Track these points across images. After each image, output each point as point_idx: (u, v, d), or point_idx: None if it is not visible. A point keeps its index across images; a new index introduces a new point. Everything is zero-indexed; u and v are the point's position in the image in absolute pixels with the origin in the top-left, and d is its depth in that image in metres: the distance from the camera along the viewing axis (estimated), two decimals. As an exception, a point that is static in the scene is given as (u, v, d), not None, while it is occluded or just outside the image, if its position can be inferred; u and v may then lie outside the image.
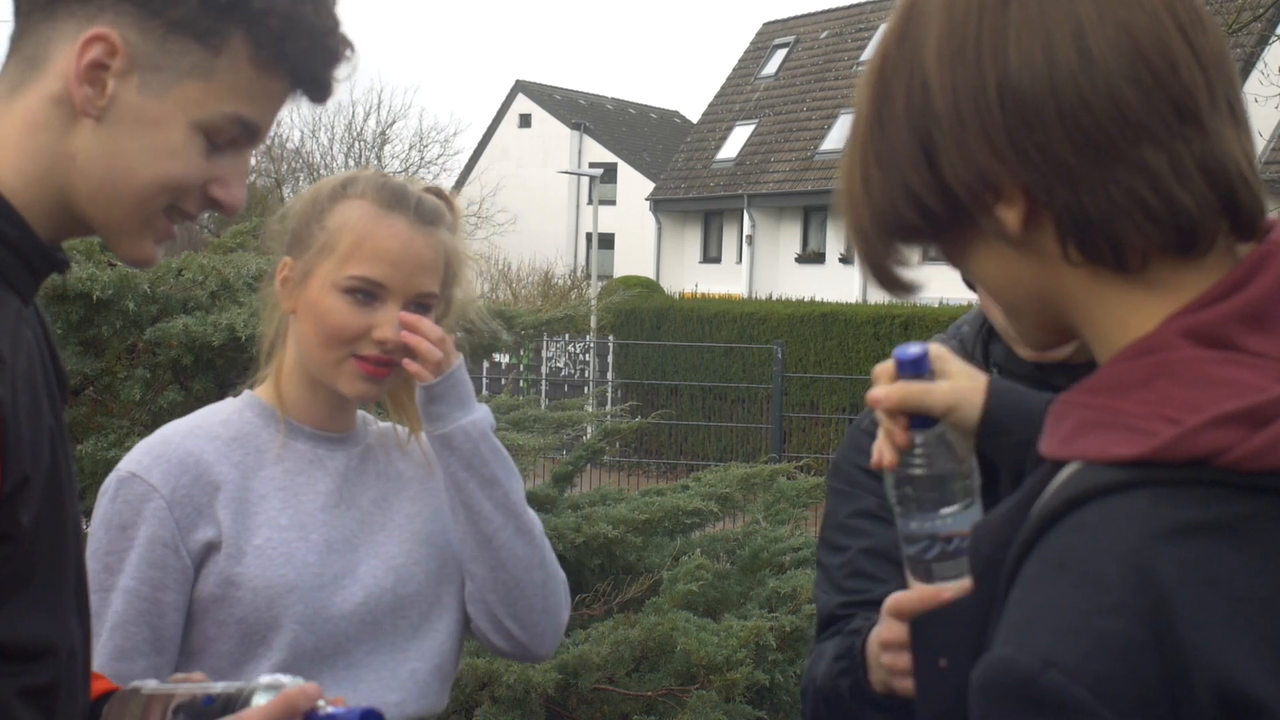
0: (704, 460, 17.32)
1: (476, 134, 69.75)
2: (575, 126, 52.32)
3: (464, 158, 53.83)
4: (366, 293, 2.36)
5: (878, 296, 31.40)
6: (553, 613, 2.57)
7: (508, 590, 2.51)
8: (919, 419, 1.80)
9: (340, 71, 1.72)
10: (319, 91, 1.72)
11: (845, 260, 37.13)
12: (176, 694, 1.81)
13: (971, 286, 1.75)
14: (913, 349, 1.85)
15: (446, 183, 49.41)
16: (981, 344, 2.44)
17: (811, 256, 39.09)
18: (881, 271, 1.37)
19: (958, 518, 1.77)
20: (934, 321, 20.64)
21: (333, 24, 1.68)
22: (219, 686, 1.78)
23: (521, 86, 54.73)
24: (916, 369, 1.84)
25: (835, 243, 38.24)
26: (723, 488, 6.23)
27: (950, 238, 1.32)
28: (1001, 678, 1.14)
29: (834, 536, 2.44)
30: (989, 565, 1.31)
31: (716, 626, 5.09)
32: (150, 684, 1.86)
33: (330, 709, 1.72)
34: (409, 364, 2.41)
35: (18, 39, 1.63)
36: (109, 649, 2.27)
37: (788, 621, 5.16)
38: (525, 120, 53.95)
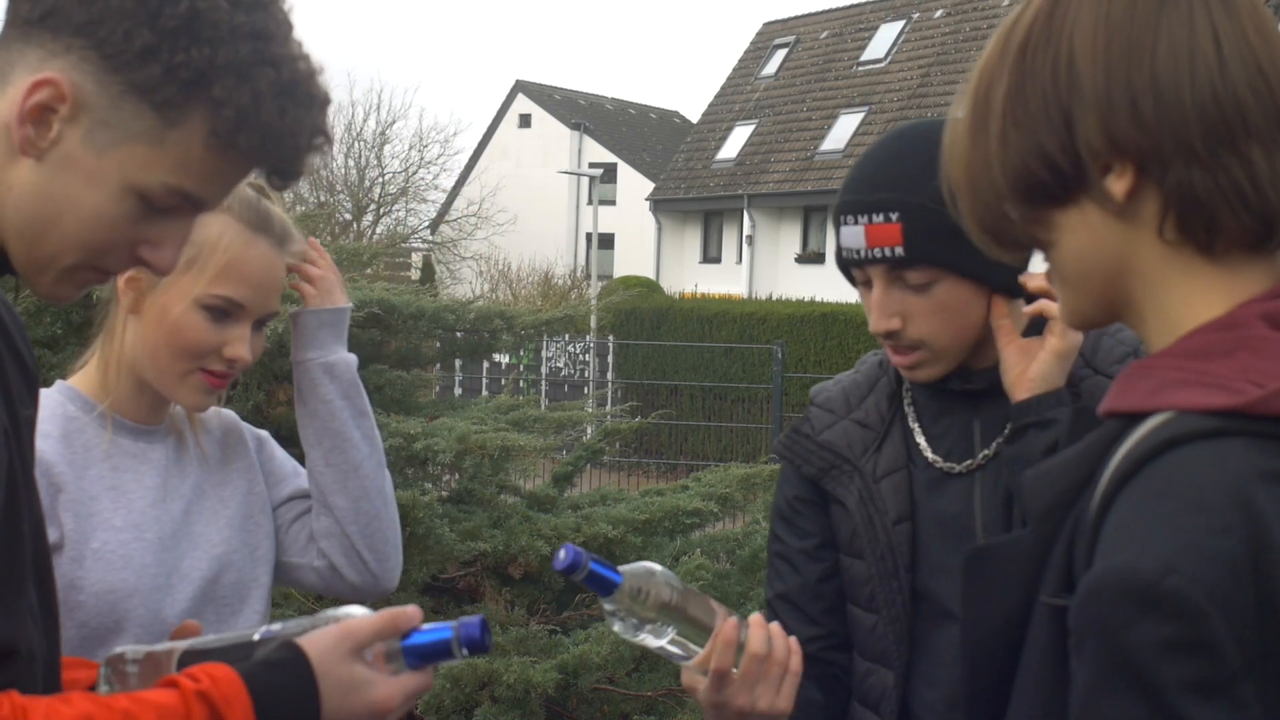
0: (704, 460, 17.32)
1: (476, 134, 69.83)
2: (575, 126, 52.31)
3: (464, 158, 53.90)
4: (224, 311, 2.38)
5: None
6: (399, 548, 2.65)
7: (368, 520, 2.57)
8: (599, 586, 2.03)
9: (312, 159, 1.68)
10: (280, 179, 1.69)
11: (845, 260, 37.14)
12: (176, 648, 1.82)
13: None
14: (562, 553, 2.00)
15: (447, 183, 49.46)
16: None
17: (811, 257, 39.07)
18: (1001, 235, 1.57)
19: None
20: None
21: (296, 126, 1.63)
22: (277, 626, 1.78)
23: (521, 86, 54.72)
24: (602, 586, 2.02)
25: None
26: (723, 488, 6.24)
27: (1057, 200, 1.49)
28: (1122, 581, 1.28)
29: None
30: (1051, 508, 1.50)
31: (716, 626, 5.09)
32: (137, 648, 1.87)
33: (427, 628, 1.74)
34: (304, 286, 2.53)
35: None
36: None
37: (788, 621, 5.15)
38: (525, 120, 53.94)
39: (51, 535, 2.26)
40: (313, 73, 1.65)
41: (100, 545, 2.32)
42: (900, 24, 40.40)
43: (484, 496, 5.73)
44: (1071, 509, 1.47)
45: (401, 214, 45.19)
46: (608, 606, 2.05)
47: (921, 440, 2.48)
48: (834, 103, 39.86)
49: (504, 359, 19.79)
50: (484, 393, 16.24)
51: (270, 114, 1.59)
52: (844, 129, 38.52)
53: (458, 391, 16.65)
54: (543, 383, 20.51)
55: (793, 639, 2.18)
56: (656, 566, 2.07)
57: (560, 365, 22.19)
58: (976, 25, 37.52)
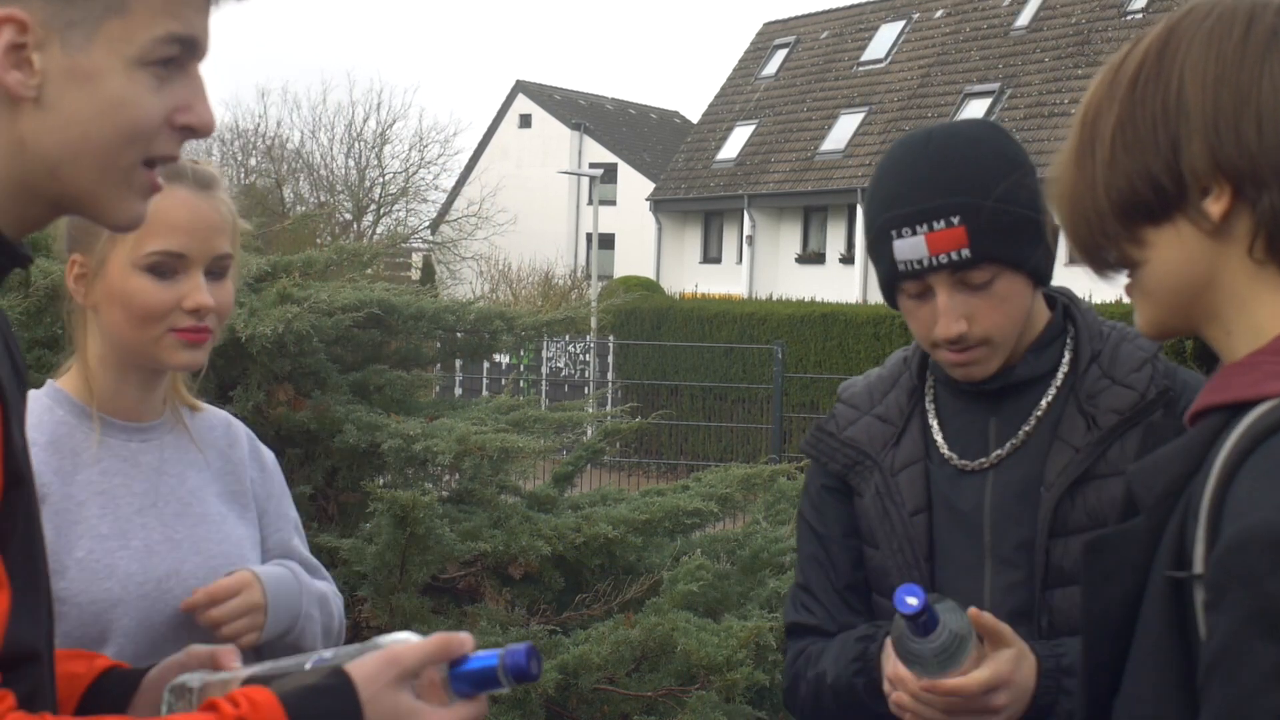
0: (704, 460, 17.32)
1: (477, 134, 69.76)
2: (575, 127, 52.34)
3: (464, 158, 53.93)
4: (168, 267, 2.35)
5: (877, 297, 31.39)
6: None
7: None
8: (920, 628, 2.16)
9: None
10: None
11: (845, 260, 37.17)
12: (237, 676, 1.80)
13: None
14: (910, 600, 2.12)
15: (447, 183, 49.45)
16: (920, 355, 2.62)
17: (812, 257, 39.09)
18: (1095, 245, 1.74)
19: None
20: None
21: None
22: (329, 654, 1.73)
23: (522, 87, 54.75)
24: (925, 629, 2.15)
25: (835, 243, 38.27)
26: (723, 488, 6.23)
27: (1154, 219, 1.65)
28: (1262, 535, 1.41)
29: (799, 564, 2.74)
30: (1162, 496, 1.63)
31: (717, 627, 5.09)
32: (196, 676, 1.84)
33: (478, 655, 1.68)
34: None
35: None
36: None
37: (788, 622, 5.15)
38: (525, 120, 53.97)
39: None
40: None
41: (85, 555, 2.31)
42: (900, 24, 40.44)
43: (484, 497, 5.72)
44: (1181, 496, 1.60)
45: (402, 214, 45.27)
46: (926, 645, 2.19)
47: (939, 436, 2.54)
48: (834, 103, 39.90)
49: (504, 359, 19.78)
50: (484, 393, 16.24)
51: None
52: (844, 129, 38.55)
53: (458, 392, 16.64)
54: (543, 383, 20.52)
55: None
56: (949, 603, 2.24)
57: (560, 366, 22.19)
58: (977, 26, 37.55)
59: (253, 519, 2.57)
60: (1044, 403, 2.46)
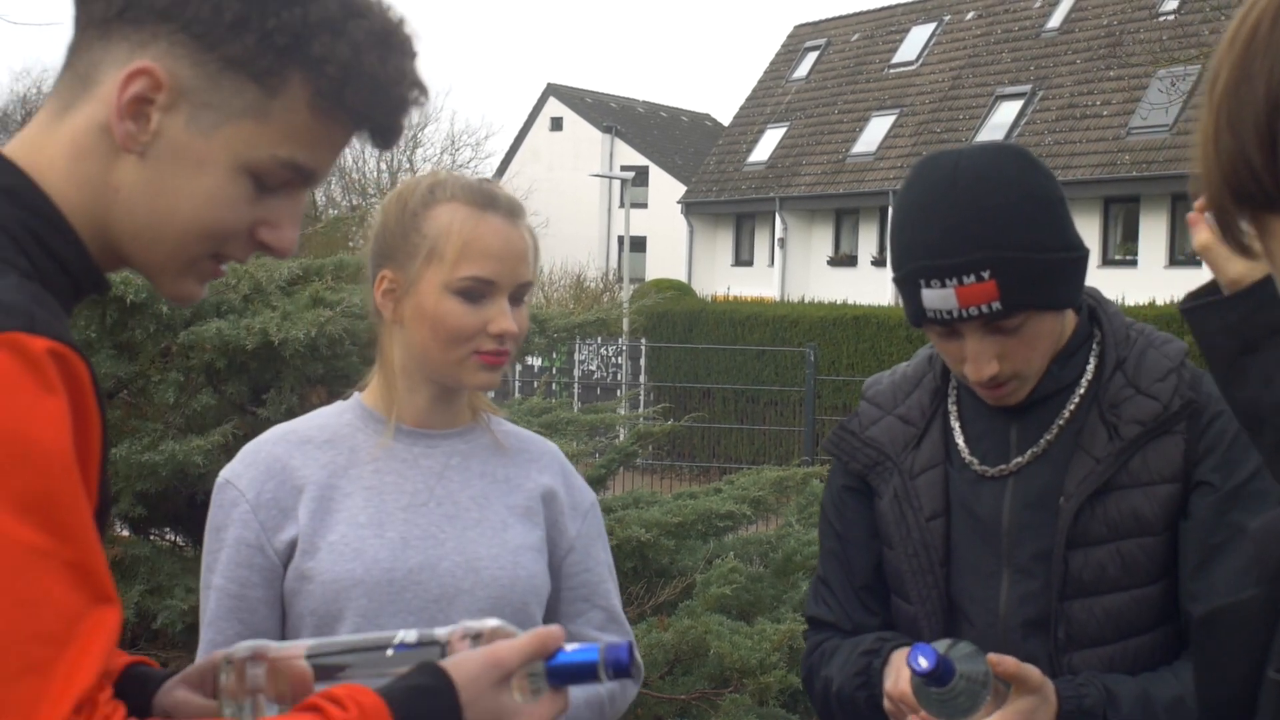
0: (737, 463, 17.31)
1: (508, 137, 69.83)
2: (607, 130, 52.37)
3: (496, 161, 54.02)
4: (478, 292, 2.42)
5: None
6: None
7: None
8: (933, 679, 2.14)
9: (408, 119, 1.67)
10: (383, 138, 1.66)
11: (877, 263, 37.09)
12: (297, 651, 1.74)
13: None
14: (922, 661, 2.12)
15: (478, 186, 49.72)
16: (943, 361, 2.58)
17: (844, 259, 39.01)
18: (1226, 226, 1.47)
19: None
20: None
21: (399, 74, 1.61)
22: (413, 634, 1.71)
23: (553, 90, 54.80)
24: (941, 681, 2.14)
25: (867, 245, 38.19)
26: (756, 490, 6.22)
27: (1267, 212, 1.41)
28: None
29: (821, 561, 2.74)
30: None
31: (750, 629, 5.08)
32: (246, 646, 1.78)
33: (572, 647, 1.69)
34: None
35: (73, 52, 1.59)
36: (204, 642, 2.40)
37: (821, 625, 5.14)
38: (557, 124, 54.03)
39: (290, 533, 2.40)
40: (401, 20, 1.63)
41: (338, 539, 2.40)
42: (931, 26, 40.35)
43: (517, 499, 5.72)
44: None
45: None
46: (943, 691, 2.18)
47: (960, 440, 2.52)
48: (865, 105, 39.82)
49: (537, 362, 19.80)
50: (516, 395, 16.25)
51: (373, 64, 1.58)
52: (875, 131, 38.47)
53: (490, 394, 16.67)
54: (575, 385, 20.53)
55: None
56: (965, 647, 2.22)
57: (593, 368, 22.19)
58: (1008, 28, 37.45)
59: (541, 536, 2.57)
60: (1067, 411, 2.44)
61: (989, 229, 2.29)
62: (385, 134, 1.65)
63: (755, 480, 6.37)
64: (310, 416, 2.56)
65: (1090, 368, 2.46)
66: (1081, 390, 2.45)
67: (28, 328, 1.38)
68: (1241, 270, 1.84)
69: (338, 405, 2.58)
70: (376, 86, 1.59)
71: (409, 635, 1.71)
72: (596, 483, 6.57)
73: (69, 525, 1.38)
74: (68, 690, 1.33)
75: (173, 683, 1.83)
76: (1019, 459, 2.45)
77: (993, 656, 2.20)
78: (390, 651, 1.69)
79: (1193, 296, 1.84)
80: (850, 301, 26.86)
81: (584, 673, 1.67)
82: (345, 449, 2.49)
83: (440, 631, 1.70)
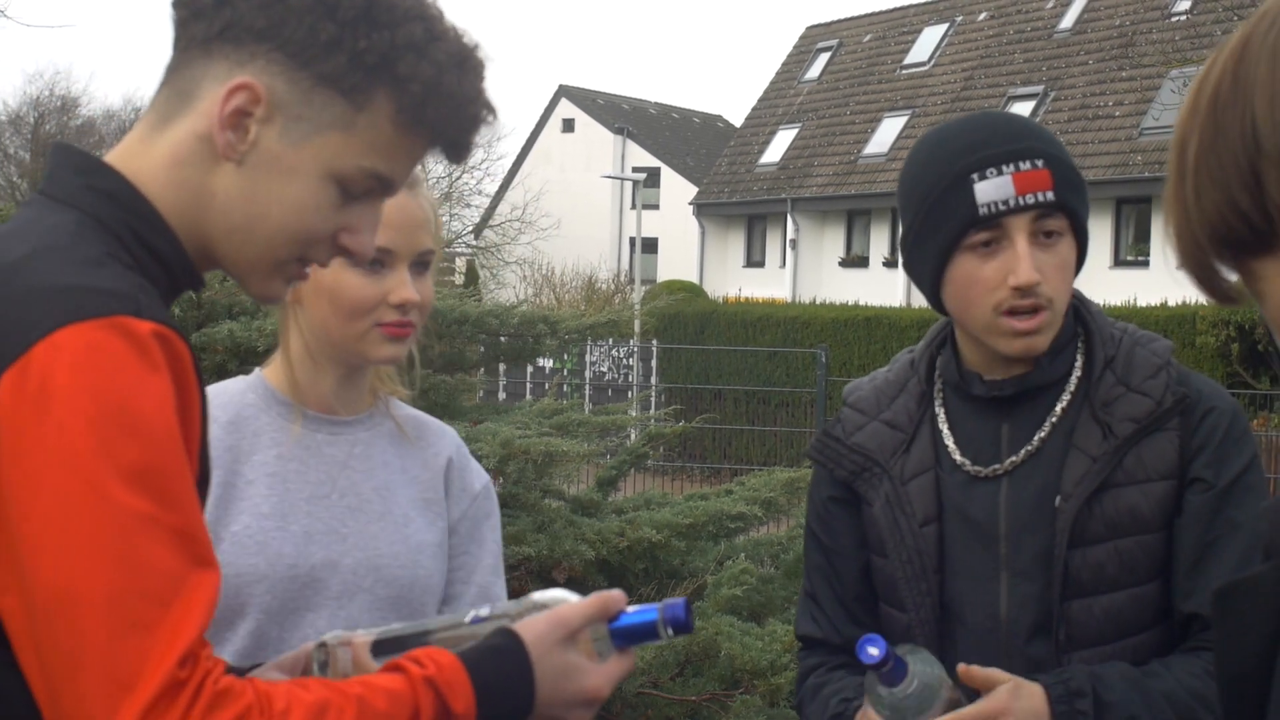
0: (748, 464, 17.29)
1: (520, 139, 69.85)
2: (618, 131, 52.32)
3: (507, 163, 53.93)
4: (375, 261, 2.39)
5: (921, 301, 31.23)
6: None
7: None
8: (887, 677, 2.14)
9: (480, 136, 1.79)
10: (456, 153, 1.79)
11: (889, 264, 37.04)
12: (373, 633, 1.88)
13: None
14: (870, 650, 2.11)
15: (490, 188, 49.53)
16: (928, 359, 2.59)
17: (855, 260, 38.95)
18: (1205, 277, 1.54)
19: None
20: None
21: (475, 93, 1.76)
22: (485, 610, 1.84)
23: (564, 91, 54.78)
24: (892, 678, 2.14)
25: (879, 247, 38.14)
26: (766, 492, 6.22)
27: (1254, 257, 1.47)
28: None
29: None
30: None
31: (760, 631, 5.09)
32: (335, 635, 1.90)
33: (632, 609, 1.80)
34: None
35: (172, 71, 1.73)
36: None
37: (832, 626, 5.14)
38: (568, 125, 53.99)
39: None
40: (476, 44, 1.77)
41: (240, 529, 2.36)
42: (944, 27, 40.28)
43: (528, 501, 5.73)
44: None
45: (445, 219, 45.28)
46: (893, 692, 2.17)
47: (950, 442, 2.50)
48: (877, 106, 39.76)
49: (548, 363, 19.82)
50: (528, 397, 16.26)
51: (451, 83, 1.71)
52: (888, 132, 38.42)
53: (502, 396, 16.69)
54: (586, 387, 20.54)
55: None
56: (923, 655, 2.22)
57: (604, 370, 22.21)
58: (1020, 28, 37.39)
59: (441, 528, 2.56)
60: (1059, 408, 2.44)
61: (1036, 128, 2.41)
62: (458, 149, 1.79)
63: (766, 481, 6.38)
64: (214, 391, 2.46)
65: (1078, 365, 2.47)
66: (1071, 388, 2.44)
67: (134, 311, 1.52)
68: None
69: (240, 381, 2.54)
70: (455, 105, 1.73)
71: (482, 610, 1.84)
72: (608, 484, 6.58)
73: (173, 493, 1.51)
74: (173, 645, 1.46)
75: (267, 667, 1.97)
76: (1012, 458, 2.44)
77: (963, 668, 2.22)
78: (467, 621, 1.83)
79: None
80: (862, 303, 26.85)
81: (645, 632, 1.79)
82: (249, 432, 2.44)
83: (511, 604, 1.83)
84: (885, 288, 34.61)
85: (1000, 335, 2.38)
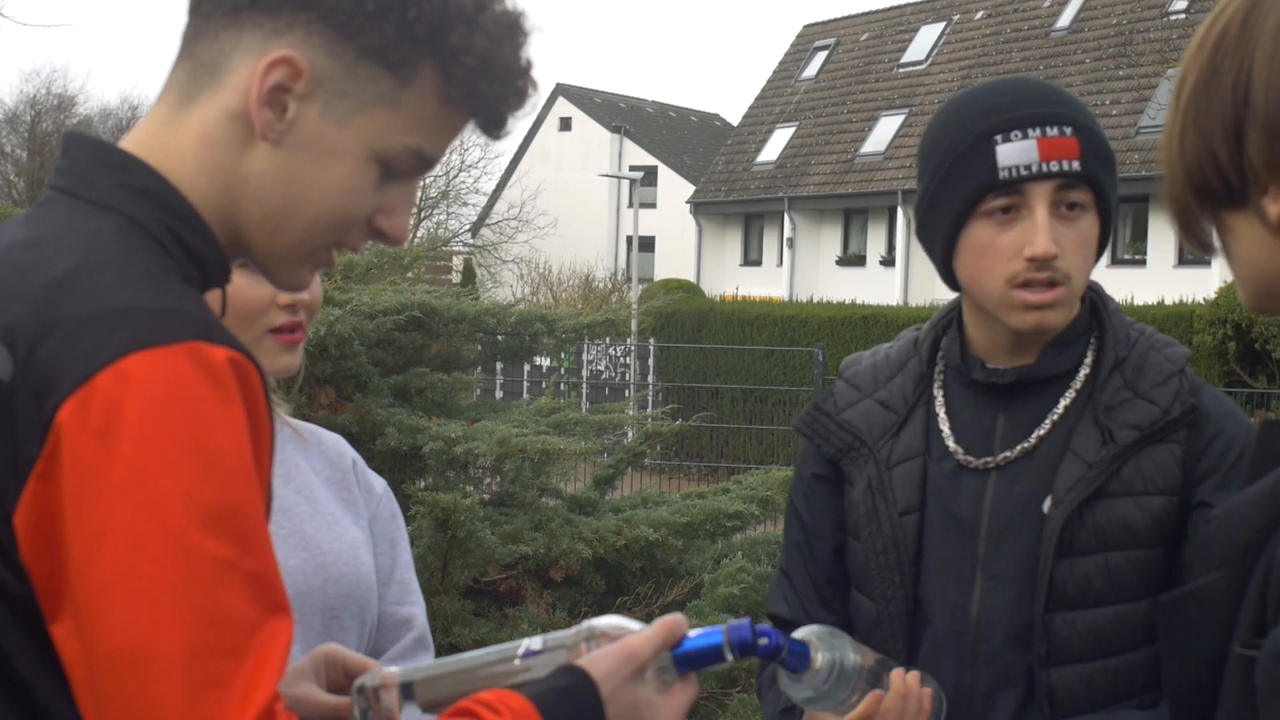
0: (745, 463, 17.30)
1: (517, 137, 69.77)
2: (615, 130, 52.32)
3: (504, 161, 53.93)
4: None
5: (918, 299, 31.33)
6: None
7: None
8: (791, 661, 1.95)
9: (522, 111, 1.66)
10: (498, 130, 1.66)
11: (886, 263, 37.07)
12: (420, 671, 1.76)
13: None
14: (760, 640, 1.90)
15: (487, 186, 49.50)
16: (932, 339, 2.48)
17: (852, 259, 38.99)
18: (1185, 220, 1.52)
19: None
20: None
21: (526, 66, 1.62)
22: (537, 643, 1.71)
23: (562, 90, 54.76)
24: (794, 664, 1.95)
25: (876, 245, 38.17)
26: (764, 490, 6.23)
27: (1227, 209, 1.45)
28: None
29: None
30: (1245, 550, 1.41)
31: (758, 629, 5.08)
32: (373, 677, 1.78)
33: (695, 633, 1.70)
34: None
35: (193, 40, 1.58)
36: None
37: (829, 625, 5.14)
38: (565, 124, 53.98)
39: None
40: (523, 12, 1.63)
41: None
42: (941, 26, 40.30)
43: (525, 499, 5.73)
44: (1264, 550, 1.39)
45: (442, 217, 45.31)
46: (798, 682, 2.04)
47: (945, 427, 2.39)
48: (874, 105, 39.79)
49: (545, 362, 19.80)
50: (525, 396, 16.25)
51: (506, 56, 1.59)
52: (885, 131, 38.44)
53: (499, 394, 16.68)
54: (584, 386, 20.52)
55: (925, 691, 2.16)
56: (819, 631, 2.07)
57: (601, 368, 22.18)
58: (1018, 27, 37.41)
59: (365, 526, 2.52)
60: (1061, 406, 2.32)
61: (1068, 96, 2.30)
62: (500, 124, 1.66)
63: (763, 480, 6.38)
64: None
65: (1088, 362, 2.34)
66: (1077, 385, 2.32)
67: (205, 336, 1.40)
68: None
69: None
70: (506, 78, 1.60)
71: (534, 642, 1.71)
72: (605, 482, 6.58)
73: (249, 535, 1.40)
74: (248, 704, 1.34)
75: (293, 674, 1.85)
76: (1006, 453, 2.32)
77: (899, 673, 2.12)
78: (518, 660, 1.70)
79: None
80: (859, 301, 26.86)
81: (711, 656, 1.70)
82: None
83: (565, 634, 1.70)
84: (882, 286, 34.65)
85: (1012, 309, 2.26)
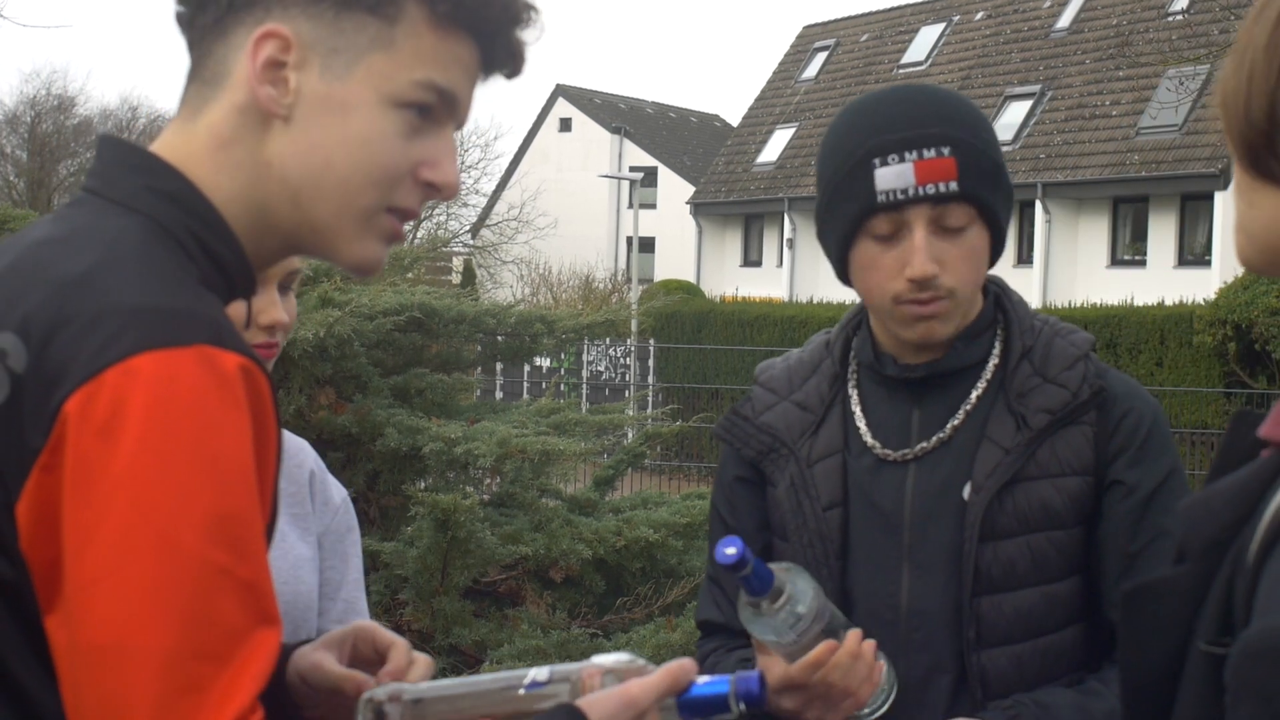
0: (745, 464, 17.29)
1: (517, 138, 69.84)
2: (615, 130, 52.33)
3: (505, 162, 53.95)
4: None
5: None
6: None
7: None
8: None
9: (528, 34, 1.65)
10: (508, 55, 1.66)
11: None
12: (432, 690, 1.73)
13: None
14: (728, 550, 1.98)
15: (487, 187, 49.53)
16: (844, 340, 2.53)
17: (852, 259, 38.99)
18: (1258, 161, 1.45)
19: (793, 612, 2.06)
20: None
21: None
22: (545, 672, 1.68)
23: (562, 91, 54.78)
24: (756, 586, 2.02)
25: (876, 246, 38.18)
26: (764, 491, 6.22)
27: (1259, 167, 1.42)
28: (1275, 644, 1.20)
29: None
30: (1211, 546, 1.39)
31: (758, 630, 5.09)
32: (390, 688, 1.75)
33: (703, 680, 1.67)
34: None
35: (195, 68, 1.60)
36: None
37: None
38: (566, 124, 53.99)
39: None
40: None
41: None
42: (940, 27, 40.31)
43: (525, 500, 5.73)
44: (1230, 546, 1.37)
45: (442, 218, 45.33)
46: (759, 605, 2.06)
47: (862, 424, 2.42)
48: (874, 105, 39.76)
49: (545, 363, 19.84)
50: (525, 396, 16.27)
51: None
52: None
53: (499, 395, 16.70)
54: (584, 386, 20.55)
55: (879, 663, 2.19)
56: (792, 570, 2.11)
57: (601, 369, 22.21)
58: (1018, 27, 37.41)
59: (313, 542, 2.52)
60: (973, 396, 2.36)
61: (948, 110, 2.29)
62: (509, 48, 1.65)
63: (763, 481, 6.37)
64: None
65: (996, 352, 2.39)
66: (987, 375, 2.37)
67: (216, 340, 1.40)
68: None
69: None
70: None
71: (540, 673, 1.69)
72: (605, 483, 6.58)
73: (245, 543, 1.40)
74: (224, 710, 1.34)
75: (311, 647, 1.83)
76: (923, 444, 2.35)
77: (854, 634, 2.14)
78: (522, 691, 1.68)
79: None
80: (858, 302, 26.84)
81: (716, 706, 1.67)
82: None
83: (572, 668, 1.68)
84: (882, 287, 34.62)
85: (900, 322, 2.32)
